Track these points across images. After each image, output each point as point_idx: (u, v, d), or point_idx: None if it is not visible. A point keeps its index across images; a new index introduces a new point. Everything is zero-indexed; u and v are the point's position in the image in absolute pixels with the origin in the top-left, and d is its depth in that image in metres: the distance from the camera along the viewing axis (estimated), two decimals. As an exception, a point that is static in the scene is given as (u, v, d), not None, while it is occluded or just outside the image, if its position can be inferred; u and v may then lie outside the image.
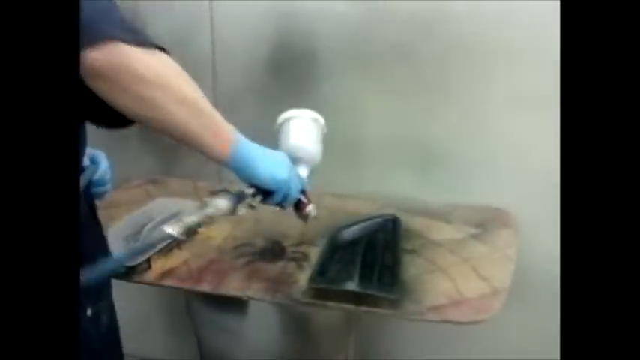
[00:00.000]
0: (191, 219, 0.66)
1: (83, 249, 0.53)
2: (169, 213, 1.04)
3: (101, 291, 0.74)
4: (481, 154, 1.13)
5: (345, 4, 1.12)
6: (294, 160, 0.79)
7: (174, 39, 1.26)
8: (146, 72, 0.55)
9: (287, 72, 1.21)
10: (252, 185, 0.70)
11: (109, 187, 0.84)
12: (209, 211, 0.67)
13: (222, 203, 0.68)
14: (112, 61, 0.53)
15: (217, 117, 0.64)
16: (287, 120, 0.84)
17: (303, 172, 0.81)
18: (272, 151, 0.72)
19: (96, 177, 0.80)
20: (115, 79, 0.54)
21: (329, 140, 1.23)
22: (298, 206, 0.78)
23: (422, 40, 1.09)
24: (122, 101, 0.56)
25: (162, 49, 0.59)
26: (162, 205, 1.10)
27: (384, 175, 1.22)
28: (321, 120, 0.87)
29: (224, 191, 0.70)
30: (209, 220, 0.68)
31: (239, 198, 0.70)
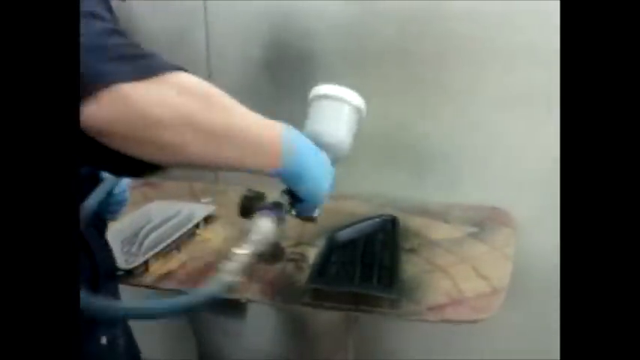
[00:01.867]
0: (242, 258, 0.57)
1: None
2: (167, 215, 1.04)
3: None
4: (478, 153, 1.13)
5: (340, 3, 1.11)
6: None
7: (169, 38, 1.26)
8: (161, 113, 0.43)
9: (282, 71, 1.21)
10: (287, 192, 0.62)
11: (125, 206, 0.77)
12: (256, 238, 0.59)
13: (266, 226, 0.59)
14: (115, 112, 0.41)
15: (255, 130, 0.53)
16: (320, 98, 0.71)
17: None
18: (321, 155, 0.63)
19: (115, 190, 0.73)
20: (125, 132, 0.42)
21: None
22: None
23: (418, 39, 1.09)
24: (142, 152, 0.45)
25: (178, 68, 0.47)
26: (159, 207, 1.09)
27: (380, 175, 1.21)
28: (361, 104, 0.73)
29: (264, 209, 0.60)
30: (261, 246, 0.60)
31: (280, 211, 0.61)
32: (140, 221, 1.02)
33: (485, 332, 1.22)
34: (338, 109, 0.70)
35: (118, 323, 0.73)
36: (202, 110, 0.46)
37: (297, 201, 0.63)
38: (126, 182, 0.77)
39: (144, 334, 1.46)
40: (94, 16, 0.43)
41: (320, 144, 0.65)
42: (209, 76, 1.25)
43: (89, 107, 0.40)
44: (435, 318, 0.79)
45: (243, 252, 0.57)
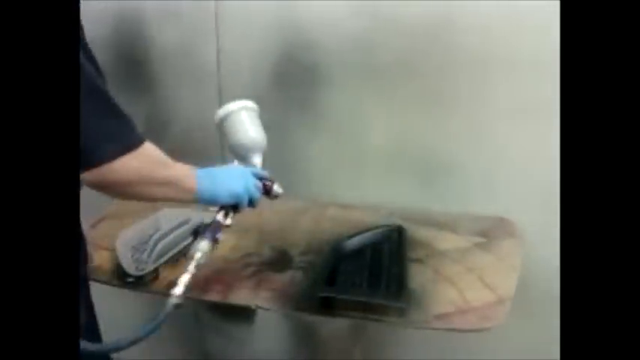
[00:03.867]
0: (186, 278, 0.71)
1: None
2: (176, 223, 1.05)
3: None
4: (484, 164, 1.14)
5: (348, 17, 1.13)
6: (246, 153, 0.88)
7: (180, 51, 1.28)
8: (131, 176, 0.68)
9: (291, 83, 1.23)
10: (221, 207, 0.81)
11: None
12: (198, 257, 0.74)
13: (203, 245, 0.75)
14: (102, 180, 0.65)
15: (179, 173, 0.76)
16: (223, 119, 0.89)
17: (257, 160, 0.90)
18: (225, 168, 0.85)
19: None
20: (108, 188, 0.68)
21: (333, 151, 1.24)
22: (265, 190, 0.87)
23: (424, 51, 1.11)
24: (120, 196, 0.75)
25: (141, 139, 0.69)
26: (168, 215, 1.11)
27: (387, 185, 1.23)
28: (252, 105, 0.92)
29: (200, 229, 0.78)
30: (203, 264, 0.74)
31: (216, 228, 0.78)
32: (149, 229, 1.03)
33: (491, 341, 1.22)
34: (240, 119, 0.89)
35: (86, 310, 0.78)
36: (153, 169, 0.72)
37: (232, 208, 0.82)
38: None
39: (151, 344, 1.47)
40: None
41: (246, 151, 0.88)
42: (219, 88, 1.27)
43: (86, 176, 0.63)
44: (441, 326, 0.80)
45: (187, 275, 0.71)
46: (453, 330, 0.80)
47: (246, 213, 0.88)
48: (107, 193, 0.69)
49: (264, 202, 0.86)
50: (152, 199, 0.82)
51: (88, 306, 0.83)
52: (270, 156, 1.30)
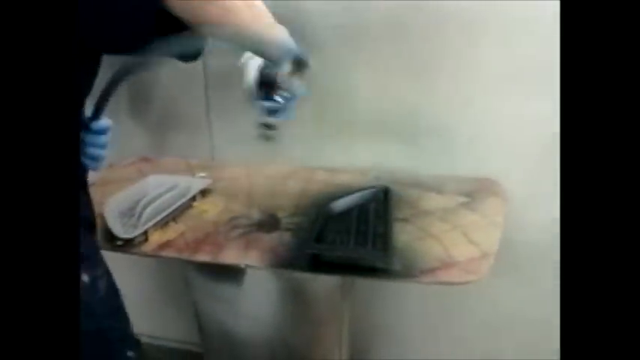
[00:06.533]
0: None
1: None
2: (164, 188, 1.06)
3: (94, 259, 0.73)
4: (472, 127, 1.15)
5: (333, -23, 1.12)
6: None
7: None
8: None
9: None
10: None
11: (105, 152, 0.75)
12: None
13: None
14: None
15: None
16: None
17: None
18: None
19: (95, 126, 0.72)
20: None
21: (319, 114, 1.24)
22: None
23: (412, 12, 1.10)
24: (208, 16, 0.67)
25: None
26: (155, 180, 1.11)
27: (374, 148, 1.23)
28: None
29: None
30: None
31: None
32: (138, 194, 1.04)
33: (477, 299, 1.26)
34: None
35: (100, 263, 0.73)
36: None
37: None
38: (107, 124, 0.75)
39: (144, 306, 1.49)
40: None
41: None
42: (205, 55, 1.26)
43: None
44: (427, 281, 0.82)
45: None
46: (438, 283, 0.82)
47: (235, 178, 0.88)
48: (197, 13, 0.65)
49: (252, 168, 0.83)
50: (239, 30, 0.75)
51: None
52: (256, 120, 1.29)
